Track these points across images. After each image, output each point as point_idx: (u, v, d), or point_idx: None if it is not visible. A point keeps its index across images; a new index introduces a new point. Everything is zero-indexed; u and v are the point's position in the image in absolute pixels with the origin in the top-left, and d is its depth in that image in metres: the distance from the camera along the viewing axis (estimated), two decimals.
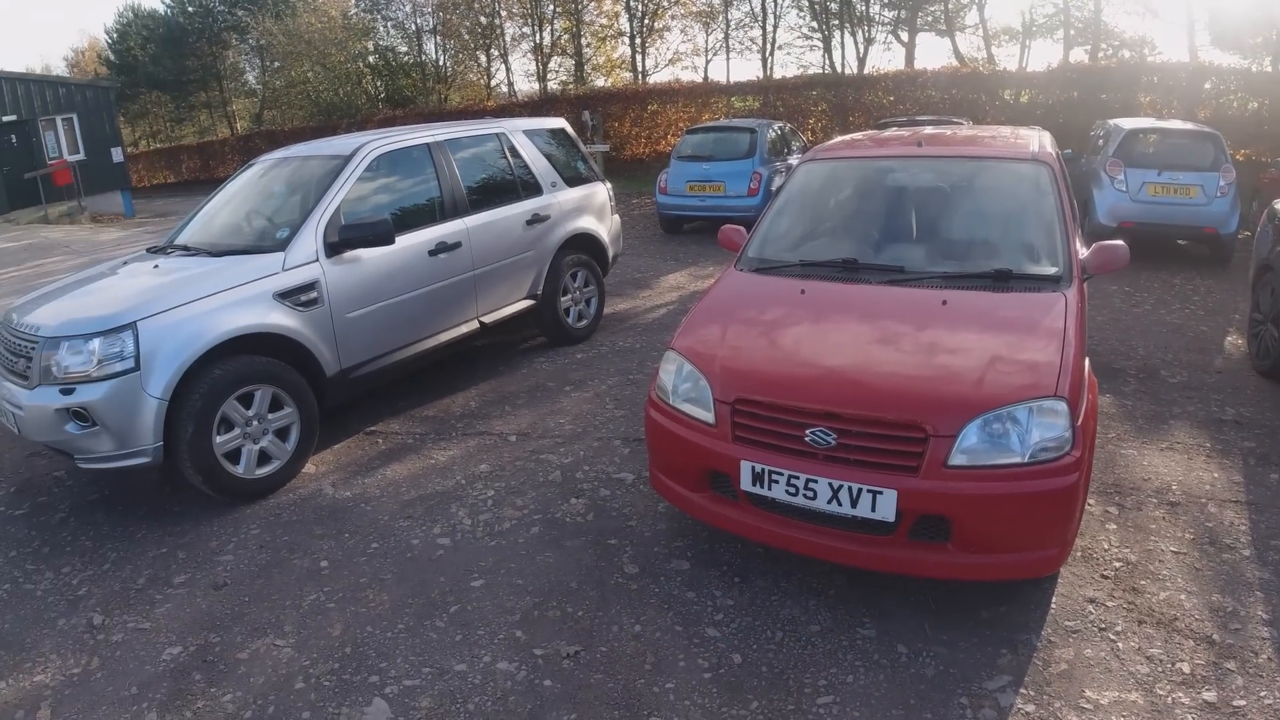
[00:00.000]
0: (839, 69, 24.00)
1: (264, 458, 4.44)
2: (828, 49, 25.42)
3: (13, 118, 22.06)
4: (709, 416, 3.23)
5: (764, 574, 3.43)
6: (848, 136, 5.38)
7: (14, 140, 22.20)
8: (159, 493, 4.61)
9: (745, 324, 3.60)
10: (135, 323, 3.99)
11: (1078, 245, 3.82)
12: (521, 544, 3.80)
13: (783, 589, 3.33)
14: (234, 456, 4.31)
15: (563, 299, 6.43)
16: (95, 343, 3.95)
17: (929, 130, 5.21)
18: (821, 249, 4.13)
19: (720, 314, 3.73)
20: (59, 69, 42.40)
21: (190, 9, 36.66)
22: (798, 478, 2.96)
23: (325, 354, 4.66)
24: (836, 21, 24.93)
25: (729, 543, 3.65)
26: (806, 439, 2.97)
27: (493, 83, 31.39)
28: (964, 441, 2.80)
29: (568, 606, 3.32)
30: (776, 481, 3.01)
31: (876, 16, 25.14)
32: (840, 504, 2.91)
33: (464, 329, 5.59)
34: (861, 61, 24.37)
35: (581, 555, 3.67)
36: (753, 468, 3.05)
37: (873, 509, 2.86)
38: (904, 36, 24.91)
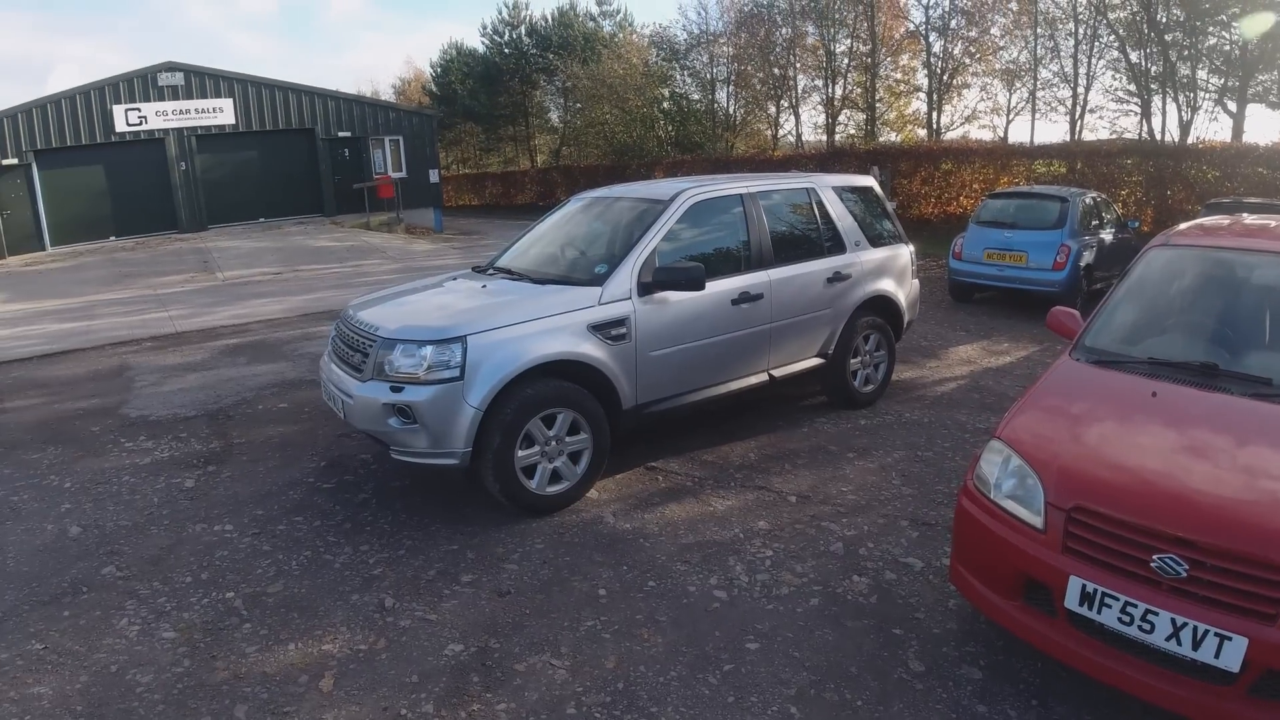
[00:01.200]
0: (1158, 137, 21.85)
1: (555, 477, 4.64)
2: (1146, 115, 23.15)
3: (347, 134, 25.36)
4: (1037, 520, 2.93)
5: (1065, 700, 3.06)
6: (1203, 221, 4.79)
7: (346, 154, 25.58)
8: (454, 492, 4.93)
9: (1085, 422, 3.25)
10: (466, 336, 4.30)
11: None
12: (800, 614, 3.65)
13: None
14: (529, 471, 4.53)
15: (852, 361, 6.24)
16: (428, 349, 4.29)
17: None
18: (1172, 347, 3.68)
19: (1055, 407, 3.41)
20: (386, 94, 48.12)
21: (506, 51, 40.15)
22: (1135, 606, 2.61)
23: (625, 387, 4.80)
24: (1156, 86, 22.76)
25: (1027, 657, 3.29)
26: (1152, 564, 2.61)
27: (779, 133, 31.71)
28: None
29: (846, 692, 3.13)
30: (1109, 606, 2.67)
31: (1202, 84, 22.63)
32: (1180, 643, 2.53)
33: (753, 380, 5.56)
34: (1183, 131, 22.03)
35: (863, 640, 3.46)
36: (1083, 586, 2.73)
37: (1216, 655, 2.47)
38: (1232, 106, 22.21)
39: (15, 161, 20.33)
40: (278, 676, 3.28)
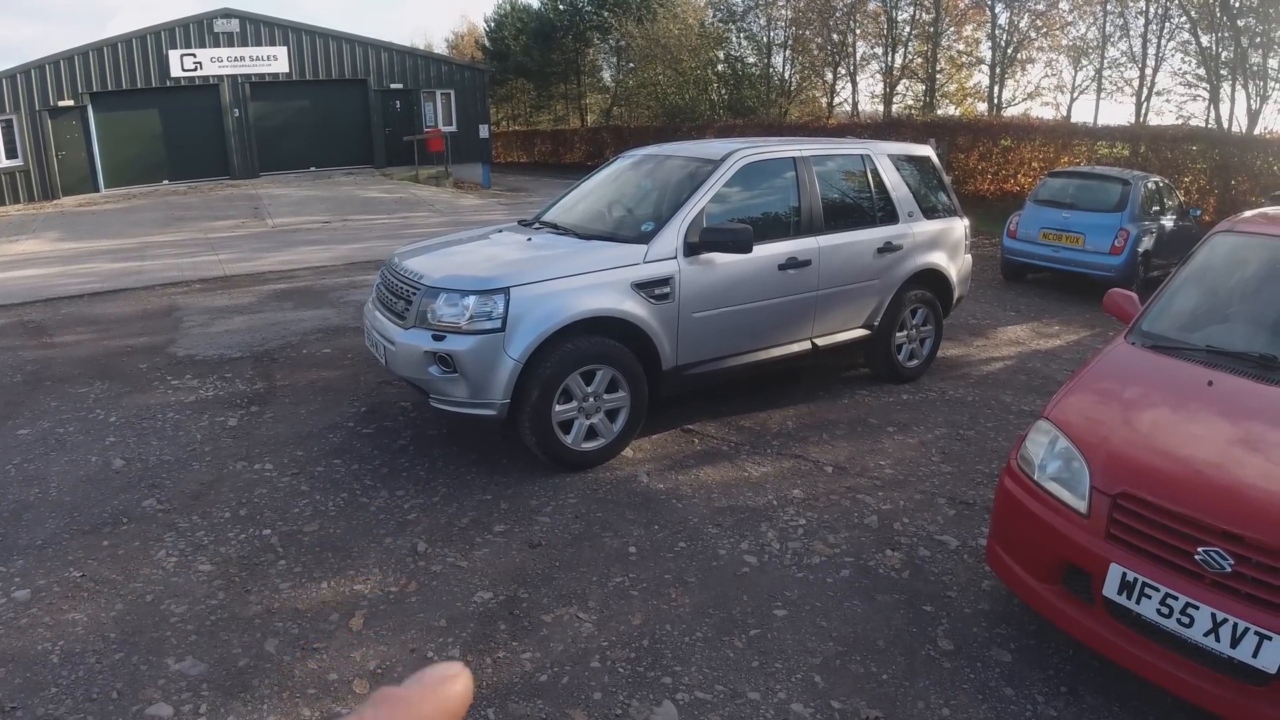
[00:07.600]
0: (1225, 125, 21.04)
1: (592, 433, 4.64)
2: (1214, 101, 22.29)
3: (399, 86, 25.33)
4: (1080, 505, 2.86)
5: (1096, 690, 2.99)
6: (1268, 210, 4.61)
7: (398, 106, 25.51)
8: (490, 443, 4.95)
9: (1136, 408, 3.16)
10: (509, 288, 4.29)
11: None
12: (830, 584, 3.62)
13: (1115, 713, 2.89)
14: (566, 426, 4.54)
15: (898, 334, 6.12)
16: (470, 299, 4.29)
17: None
18: (1231, 336, 3.55)
19: (1107, 390, 3.31)
20: (439, 48, 47.66)
21: (561, 7, 39.60)
22: (1175, 599, 2.54)
23: (666, 348, 4.76)
24: (1226, 73, 21.87)
25: (1059, 644, 3.23)
26: (1196, 557, 2.54)
27: (835, 101, 31.07)
28: None
29: (872, 665, 3.10)
30: (1148, 597, 2.60)
31: (1273, 73, 21.63)
32: (1219, 640, 2.46)
33: (796, 348, 5.49)
34: (1251, 120, 21.17)
35: (892, 614, 3.42)
36: (1123, 574, 2.66)
37: (1254, 655, 2.39)
38: None
39: (71, 103, 20.56)
40: (309, 613, 3.34)
